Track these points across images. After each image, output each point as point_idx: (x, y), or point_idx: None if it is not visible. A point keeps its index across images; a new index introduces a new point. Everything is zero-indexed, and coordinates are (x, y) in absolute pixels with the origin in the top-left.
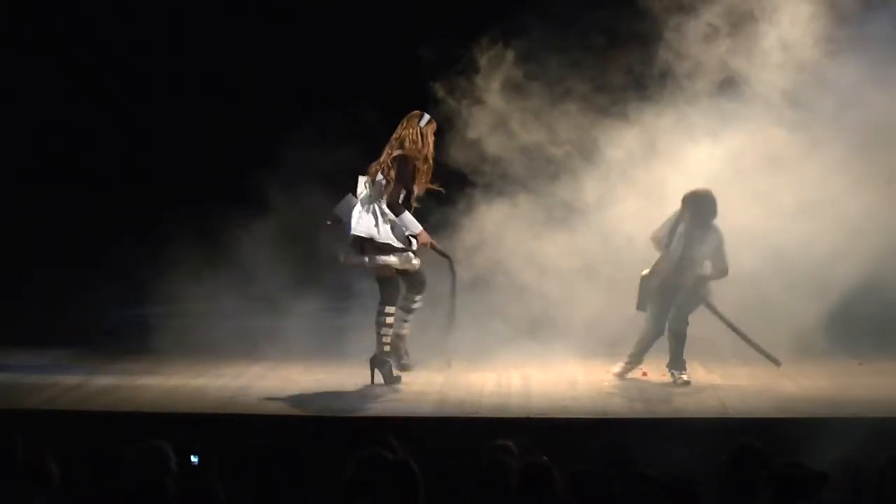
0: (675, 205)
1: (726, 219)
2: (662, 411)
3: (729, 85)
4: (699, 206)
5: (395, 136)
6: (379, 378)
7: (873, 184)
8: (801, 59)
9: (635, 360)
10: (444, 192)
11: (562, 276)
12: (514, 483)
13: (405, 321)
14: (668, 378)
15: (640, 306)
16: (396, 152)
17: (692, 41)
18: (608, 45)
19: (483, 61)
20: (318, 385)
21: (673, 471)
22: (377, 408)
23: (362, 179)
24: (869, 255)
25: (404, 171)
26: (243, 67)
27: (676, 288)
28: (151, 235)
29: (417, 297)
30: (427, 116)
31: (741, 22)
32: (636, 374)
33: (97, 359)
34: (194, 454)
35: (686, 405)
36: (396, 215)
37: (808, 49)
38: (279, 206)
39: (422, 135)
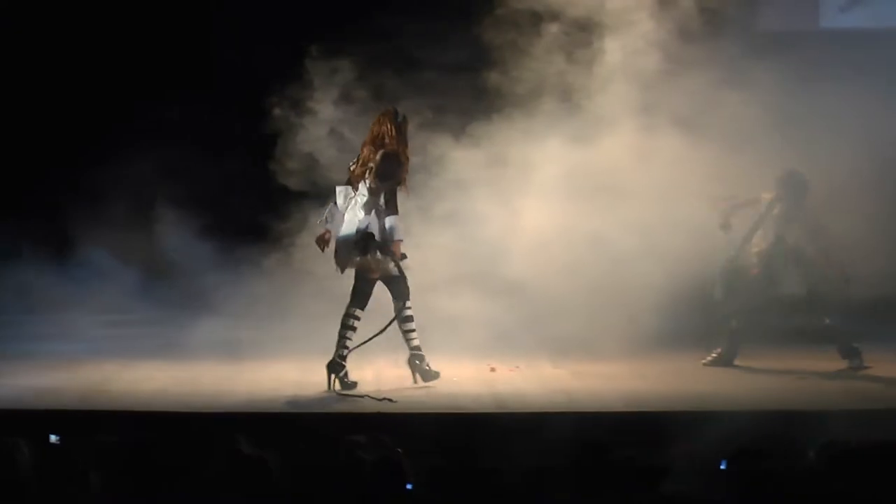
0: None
1: (575, 228)
2: (511, 406)
3: (568, 99)
4: (794, 184)
5: (370, 135)
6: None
7: (715, 189)
8: (646, 73)
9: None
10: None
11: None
12: (367, 477)
13: (411, 331)
14: (517, 373)
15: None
16: (382, 151)
17: (535, 58)
18: (450, 61)
19: (316, 72)
20: (174, 382)
21: (521, 464)
22: (233, 404)
23: (340, 189)
24: (714, 256)
25: (396, 167)
26: (83, 66)
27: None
28: None
29: (407, 303)
30: (401, 113)
31: (585, 39)
32: (485, 369)
33: None
34: (53, 435)
35: (534, 400)
36: (395, 213)
37: (653, 64)
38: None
39: (398, 131)
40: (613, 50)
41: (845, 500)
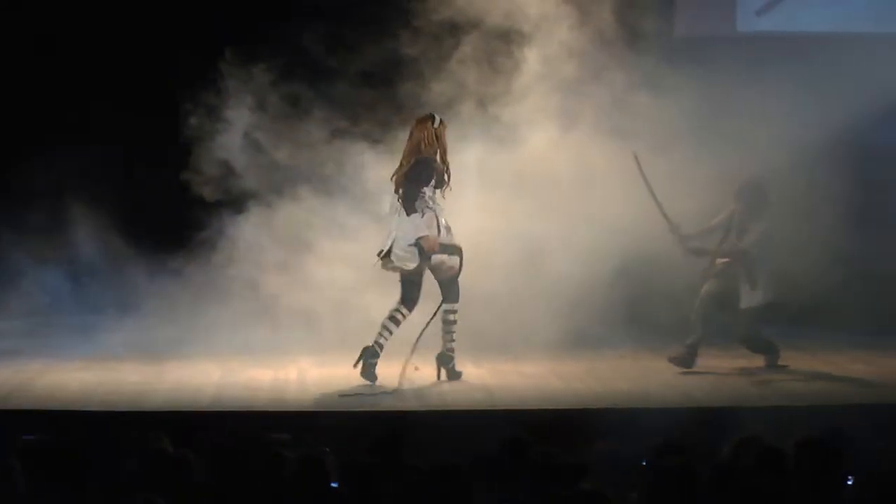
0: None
1: (495, 230)
2: (433, 404)
3: (486, 106)
4: (749, 193)
5: (411, 143)
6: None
7: (632, 189)
8: (565, 79)
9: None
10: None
11: (331, 286)
12: (289, 475)
13: (391, 332)
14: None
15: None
16: (416, 157)
17: (453, 67)
18: (367, 71)
19: (231, 77)
20: (97, 381)
21: (442, 461)
22: (156, 402)
23: (387, 196)
24: (631, 254)
25: (420, 172)
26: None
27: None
28: None
29: (402, 308)
30: (438, 118)
31: (504, 48)
32: (409, 368)
33: None
34: None
35: (456, 399)
36: (408, 214)
37: (572, 70)
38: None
39: (436, 136)
40: (532, 58)
41: (759, 495)
